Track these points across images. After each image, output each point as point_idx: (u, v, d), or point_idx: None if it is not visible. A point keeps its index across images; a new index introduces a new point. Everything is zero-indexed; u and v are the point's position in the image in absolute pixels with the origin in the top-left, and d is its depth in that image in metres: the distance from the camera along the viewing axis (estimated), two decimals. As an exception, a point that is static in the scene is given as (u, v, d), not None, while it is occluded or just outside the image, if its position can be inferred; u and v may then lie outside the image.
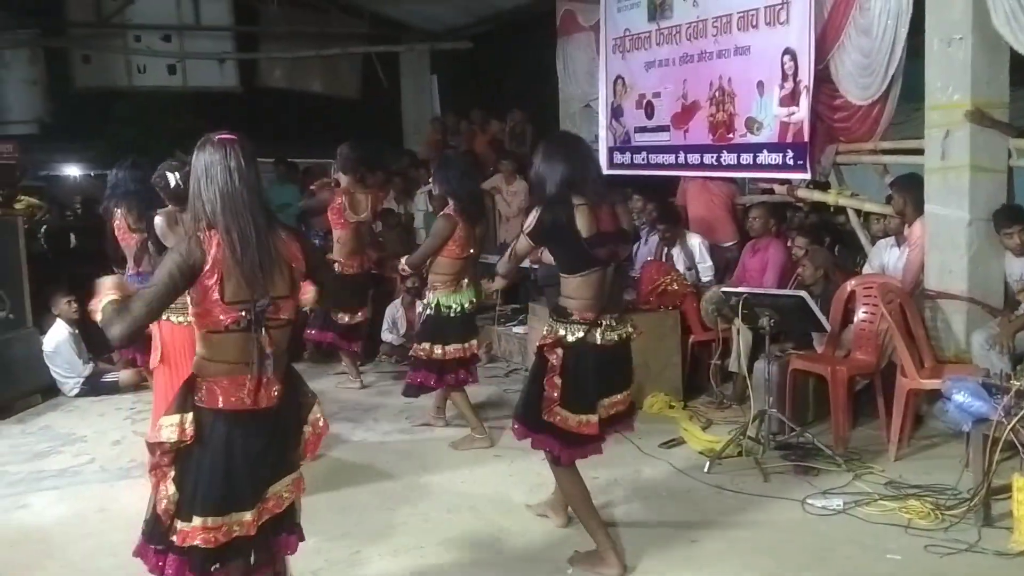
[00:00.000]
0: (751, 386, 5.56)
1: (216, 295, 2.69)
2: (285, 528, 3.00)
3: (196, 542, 2.76)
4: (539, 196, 3.82)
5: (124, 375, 7.27)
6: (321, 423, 3.03)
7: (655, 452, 5.31)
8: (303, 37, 12.89)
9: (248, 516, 2.81)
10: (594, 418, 3.81)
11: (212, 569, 2.81)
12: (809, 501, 4.50)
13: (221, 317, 2.72)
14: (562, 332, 3.76)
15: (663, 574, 3.87)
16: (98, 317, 2.77)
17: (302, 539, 3.08)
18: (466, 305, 5.64)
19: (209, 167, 2.76)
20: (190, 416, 2.77)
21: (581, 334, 3.73)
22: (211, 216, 2.72)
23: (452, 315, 5.59)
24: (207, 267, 2.68)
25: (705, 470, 4.99)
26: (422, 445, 5.74)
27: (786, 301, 5.33)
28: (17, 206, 9.68)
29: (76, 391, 7.23)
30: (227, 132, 2.83)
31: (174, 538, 2.80)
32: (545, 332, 3.85)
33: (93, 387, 7.24)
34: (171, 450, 2.79)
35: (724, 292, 5.74)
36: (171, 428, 2.77)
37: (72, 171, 15.67)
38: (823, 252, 6.19)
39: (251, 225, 2.72)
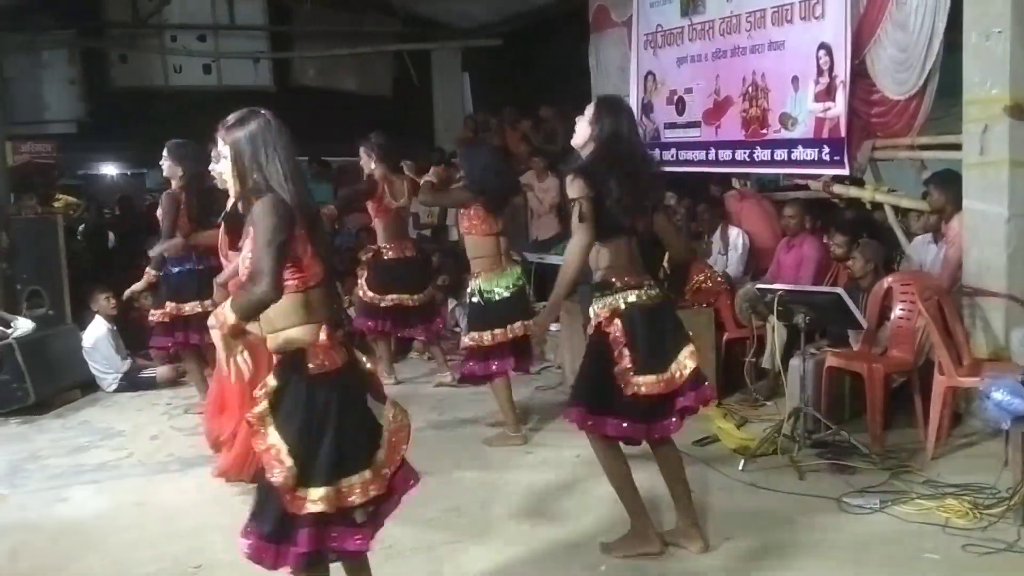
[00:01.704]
0: (786, 383, 5.52)
1: (311, 247, 2.83)
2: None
3: (323, 508, 2.82)
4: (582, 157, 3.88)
5: (161, 371, 7.37)
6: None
7: (689, 450, 5.26)
8: (336, 36, 12.95)
9: (368, 475, 2.90)
10: (668, 376, 3.78)
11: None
12: (845, 499, 4.47)
13: (317, 270, 2.85)
14: (613, 302, 3.77)
15: (697, 571, 3.85)
16: (232, 318, 2.78)
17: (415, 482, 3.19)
18: (508, 287, 5.61)
19: (267, 138, 2.84)
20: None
21: (633, 298, 3.75)
22: (279, 184, 2.81)
23: (496, 299, 5.58)
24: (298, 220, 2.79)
25: (740, 468, 4.96)
26: (454, 440, 5.76)
27: (822, 298, 5.28)
28: (55, 204, 9.86)
29: (114, 387, 7.33)
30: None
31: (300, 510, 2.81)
32: (596, 312, 3.83)
33: (131, 383, 7.34)
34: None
35: (759, 289, 5.70)
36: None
37: (109, 170, 15.82)
38: (874, 245, 6.06)
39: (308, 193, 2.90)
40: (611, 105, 3.98)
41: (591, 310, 3.90)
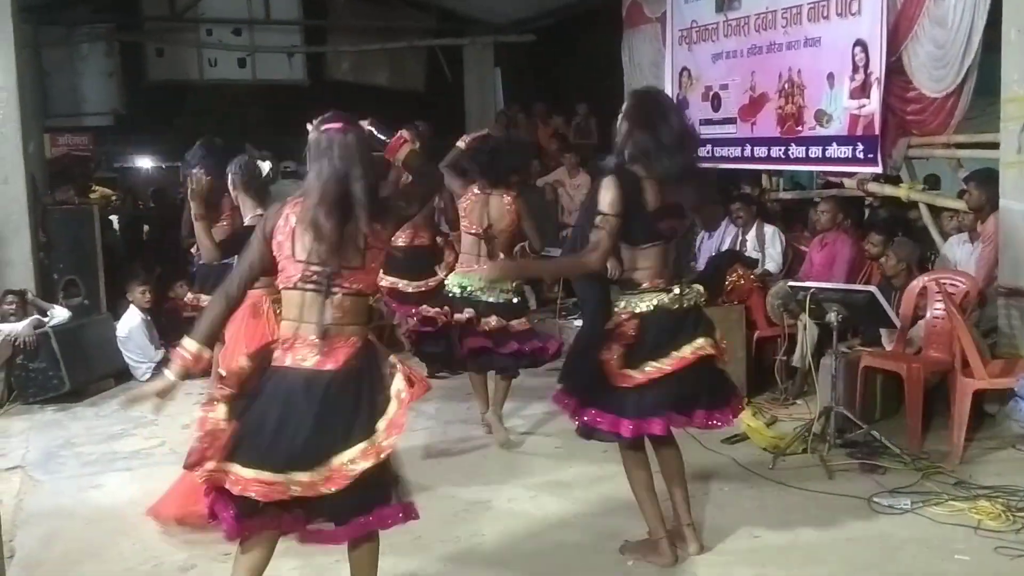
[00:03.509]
0: (817, 382, 5.48)
1: (288, 252, 2.92)
2: (375, 500, 2.96)
3: (251, 493, 2.81)
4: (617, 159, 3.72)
5: (194, 361, 7.43)
6: (404, 394, 2.98)
7: (718, 448, 5.25)
8: (370, 31, 13.03)
9: (306, 477, 2.83)
10: (660, 364, 3.65)
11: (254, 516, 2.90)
12: (876, 500, 4.42)
13: (293, 272, 2.93)
14: (635, 304, 3.69)
15: (725, 569, 3.84)
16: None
17: (408, 516, 3.04)
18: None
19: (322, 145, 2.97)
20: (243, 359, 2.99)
21: (656, 302, 3.68)
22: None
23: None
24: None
25: (769, 467, 4.93)
26: (482, 436, 5.76)
27: (855, 296, 5.23)
28: (92, 196, 9.99)
29: (148, 376, 7.39)
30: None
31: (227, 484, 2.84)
32: (619, 310, 3.75)
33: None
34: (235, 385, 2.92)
35: (791, 287, 5.66)
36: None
37: (145, 163, 16.01)
38: (909, 245, 6.00)
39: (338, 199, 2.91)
40: (645, 99, 3.83)
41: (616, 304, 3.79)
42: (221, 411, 2.88)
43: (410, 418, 6.12)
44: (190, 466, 2.88)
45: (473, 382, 5.73)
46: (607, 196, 3.56)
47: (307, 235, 2.89)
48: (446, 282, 5.69)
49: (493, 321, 5.35)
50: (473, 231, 5.51)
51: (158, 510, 4.45)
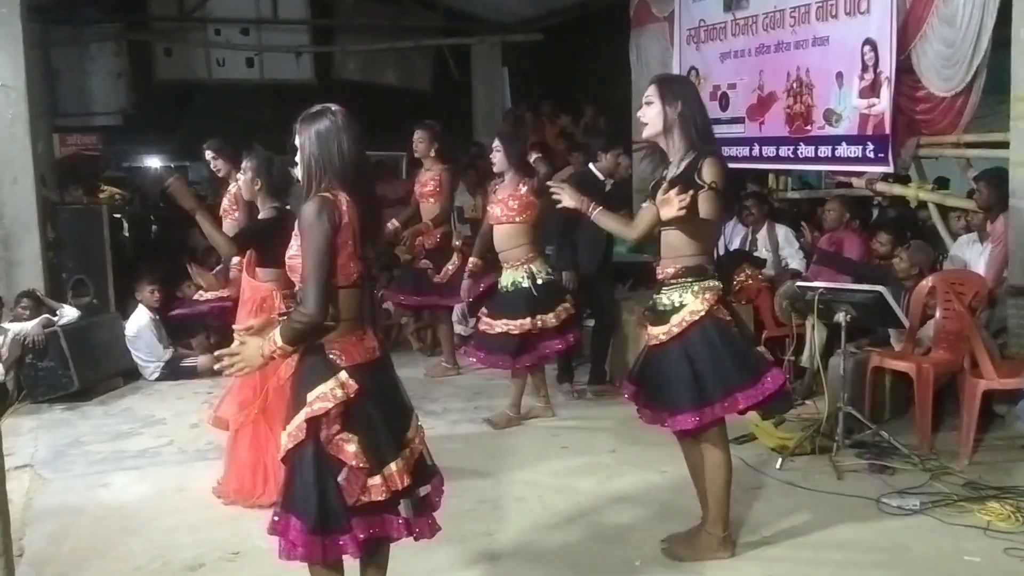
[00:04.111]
0: (825, 383, 5.46)
1: (351, 249, 2.87)
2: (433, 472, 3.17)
3: (380, 496, 2.88)
4: (691, 140, 3.65)
5: (202, 360, 7.44)
6: None
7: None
8: (377, 30, 13.03)
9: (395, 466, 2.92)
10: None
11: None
12: (884, 500, 4.41)
13: (353, 271, 2.90)
14: (713, 286, 3.66)
15: (733, 569, 3.83)
16: (280, 346, 2.86)
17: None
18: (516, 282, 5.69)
19: (334, 133, 2.91)
20: (343, 375, 2.86)
21: (717, 283, 3.69)
22: (341, 179, 2.89)
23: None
24: (343, 223, 2.85)
25: (777, 467, 4.92)
26: (489, 434, 5.77)
27: (863, 296, 5.21)
28: (101, 196, 10.01)
29: (156, 375, 7.43)
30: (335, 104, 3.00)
31: (366, 497, 2.86)
32: (695, 299, 3.64)
33: (172, 371, 7.43)
34: (337, 416, 2.86)
35: (799, 287, 5.64)
36: (331, 392, 2.85)
37: (153, 162, 16.02)
38: (925, 250, 5.93)
39: (370, 186, 2.99)
40: (679, 81, 3.83)
41: (691, 298, 3.66)
42: (352, 446, 2.86)
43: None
44: (354, 507, 2.89)
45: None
46: (718, 169, 3.56)
47: (367, 230, 2.92)
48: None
49: None
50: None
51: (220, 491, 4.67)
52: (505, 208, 5.69)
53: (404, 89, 13.32)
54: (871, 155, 6.56)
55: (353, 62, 13.26)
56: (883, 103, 6.40)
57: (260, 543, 3.98)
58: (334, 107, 2.97)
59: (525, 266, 5.66)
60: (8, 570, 3.19)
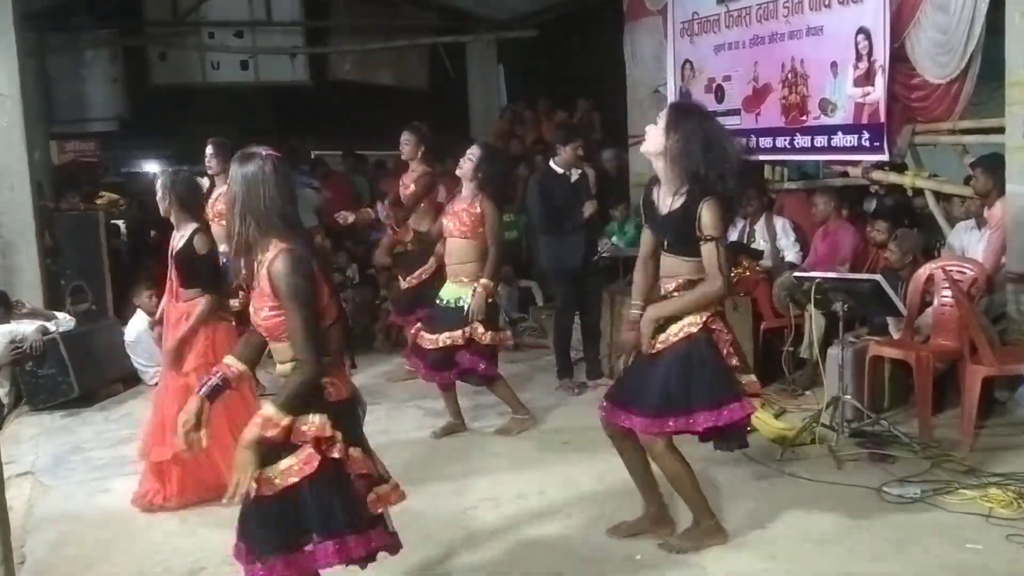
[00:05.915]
0: (824, 373, 5.45)
1: (327, 288, 2.97)
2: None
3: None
4: (686, 175, 3.69)
5: (201, 365, 7.44)
6: None
7: (726, 439, 5.24)
8: (372, 30, 13.02)
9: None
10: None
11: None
12: (885, 489, 4.40)
13: (333, 308, 2.98)
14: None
15: (735, 561, 3.83)
16: (281, 416, 2.87)
17: None
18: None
19: (260, 179, 2.89)
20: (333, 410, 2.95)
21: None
22: (267, 225, 2.88)
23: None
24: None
25: (778, 458, 4.91)
26: (490, 433, 5.76)
27: (860, 285, 5.20)
28: (98, 202, 10.02)
29: (156, 380, 7.40)
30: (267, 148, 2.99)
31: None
32: (702, 311, 3.72)
33: (172, 375, 7.42)
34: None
35: (797, 277, 5.64)
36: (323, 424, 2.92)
37: (151, 167, 16.03)
38: (912, 235, 5.97)
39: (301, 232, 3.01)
40: (689, 116, 3.80)
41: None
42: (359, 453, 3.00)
43: (418, 416, 6.21)
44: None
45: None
46: (717, 216, 3.63)
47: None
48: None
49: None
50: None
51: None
52: (458, 222, 5.48)
53: (400, 88, 13.31)
54: (867, 144, 6.55)
55: (348, 62, 13.26)
56: (878, 91, 6.38)
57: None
58: (265, 152, 2.95)
59: (472, 286, 5.42)
60: (9, 578, 3.19)
